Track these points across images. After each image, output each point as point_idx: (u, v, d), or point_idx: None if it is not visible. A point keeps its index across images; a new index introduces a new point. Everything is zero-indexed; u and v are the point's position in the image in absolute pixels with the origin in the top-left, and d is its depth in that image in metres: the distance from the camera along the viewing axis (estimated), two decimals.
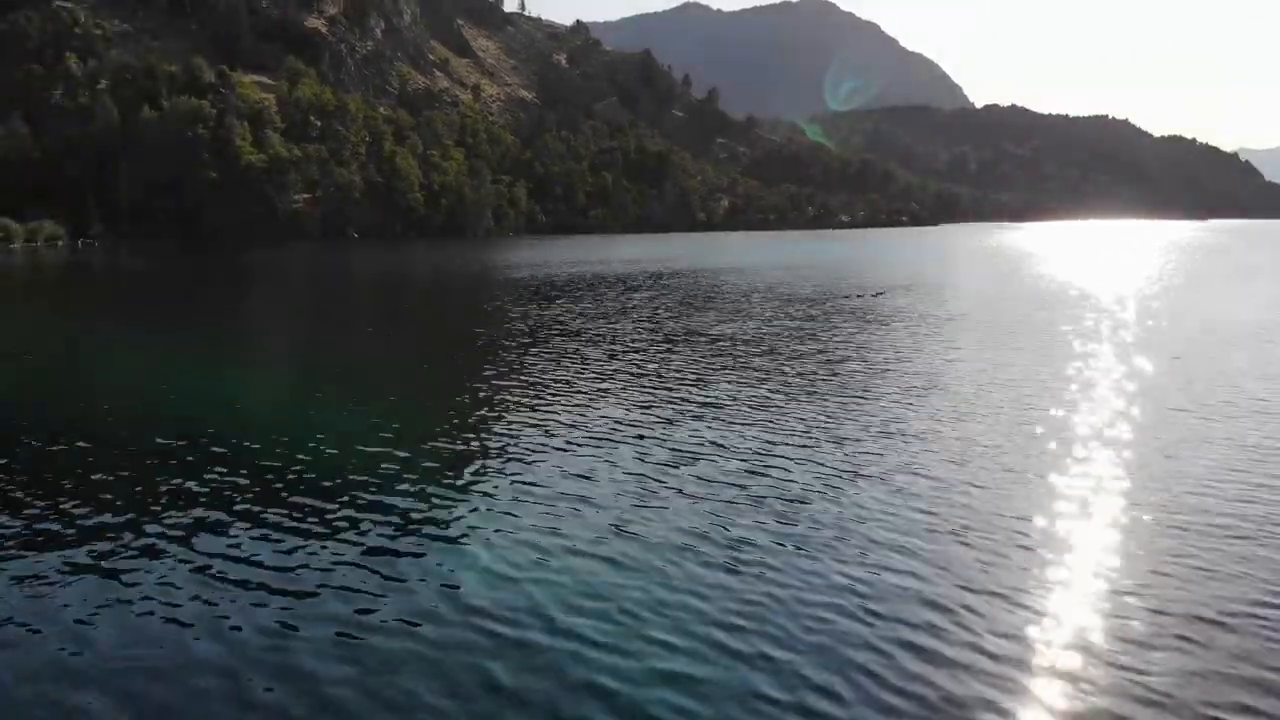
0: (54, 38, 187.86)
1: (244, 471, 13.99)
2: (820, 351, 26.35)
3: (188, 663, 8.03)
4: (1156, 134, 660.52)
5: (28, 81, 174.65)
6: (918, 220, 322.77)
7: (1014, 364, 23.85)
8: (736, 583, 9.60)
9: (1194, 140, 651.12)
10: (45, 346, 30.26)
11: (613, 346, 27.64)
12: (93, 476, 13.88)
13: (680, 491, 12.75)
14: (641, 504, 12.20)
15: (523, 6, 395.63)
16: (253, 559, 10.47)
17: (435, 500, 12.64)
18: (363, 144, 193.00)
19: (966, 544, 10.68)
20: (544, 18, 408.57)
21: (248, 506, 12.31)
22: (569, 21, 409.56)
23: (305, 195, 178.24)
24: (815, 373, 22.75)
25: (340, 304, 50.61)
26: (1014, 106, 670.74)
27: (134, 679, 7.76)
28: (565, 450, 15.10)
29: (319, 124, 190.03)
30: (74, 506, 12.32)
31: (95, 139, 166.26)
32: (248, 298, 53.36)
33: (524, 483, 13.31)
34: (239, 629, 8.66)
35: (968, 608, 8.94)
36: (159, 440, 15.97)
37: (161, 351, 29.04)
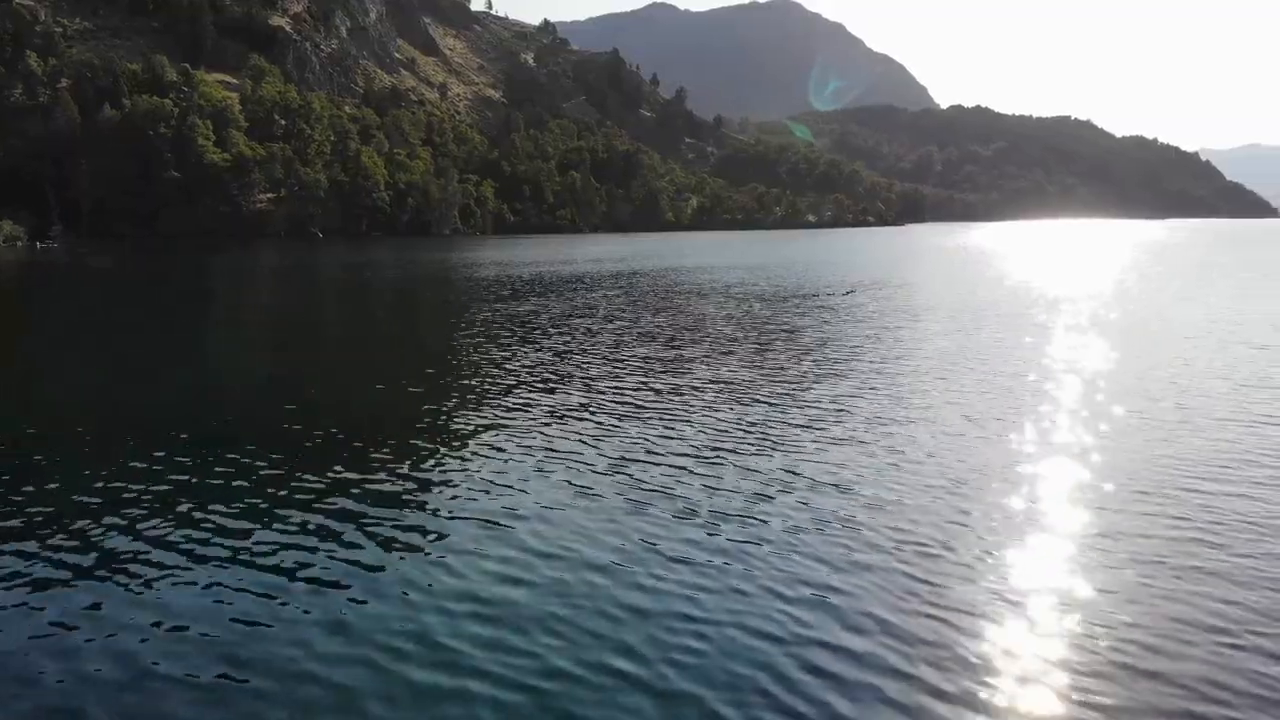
0: (13, 35, 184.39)
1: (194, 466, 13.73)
2: (790, 350, 26.34)
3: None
4: (1119, 134, 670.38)
5: None
6: (884, 220, 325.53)
7: (984, 359, 24.00)
8: (679, 586, 9.51)
9: (1156, 140, 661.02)
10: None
11: (575, 346, 27.43)
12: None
13: (631, 491, 12.64)
14: (582, 500, 12.10)
15: (489, 5, 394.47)
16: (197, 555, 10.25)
17: (371, 508, 12.46)
18: (328, 143, 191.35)
19: (930, 545, 10.66)
20: (511, 17, 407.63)
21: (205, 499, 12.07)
22: (536, 21, 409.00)
23: (269, 195, 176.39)
24: (784, 370, 22.71)
25: (304, 304, 49.99)
26: (978, 107, 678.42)
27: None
28: (517, 453, 14.83)
29: (283, 123, 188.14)
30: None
31: (55, 138, 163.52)
32: (205, 300, 52.64)
33: (468, 490, 13.14)
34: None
35: (936, 611, 8.90)
36: (120, 440, 15.66)
37: (116, 356, 28.53)
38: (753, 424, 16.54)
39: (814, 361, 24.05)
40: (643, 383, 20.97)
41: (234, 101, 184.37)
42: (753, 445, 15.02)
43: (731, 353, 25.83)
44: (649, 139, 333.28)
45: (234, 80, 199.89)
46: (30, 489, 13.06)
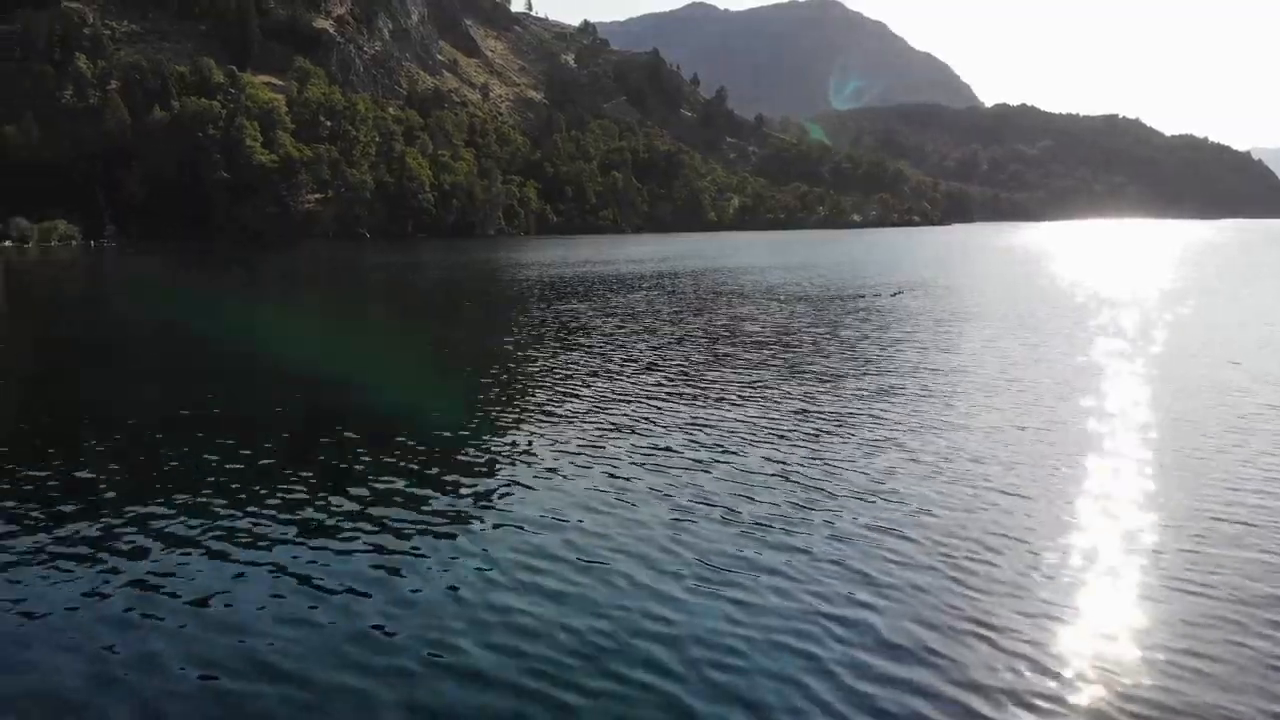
0: (62, 38, 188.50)
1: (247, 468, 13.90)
2: (835, 353, 26.11)
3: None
4: (1168, 133, 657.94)
5: (38, 82, 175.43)
6: (929, 220, 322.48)
7: (1035, 365, 23.63)
8: (736, 591, 9.45)
9: (1206, 139, 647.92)
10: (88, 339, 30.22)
11: (615, 348, 27.40)
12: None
13: (671, 496, 12.60)
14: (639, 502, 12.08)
15: (530, 6, 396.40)
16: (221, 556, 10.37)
17: (427, 504, 12.53)
18: (373, 144, 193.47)
19: (987, 550, 10.50)
20: (551, 18, 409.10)
21: (250, 489, 12.22)
22: (576, 22, 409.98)
23: (316, 196, 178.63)
24: (828, 374, 22.49)
25: (350, 304, 50.52)
26: (1024, 105, 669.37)
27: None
28: (557, 457, 14.85)
29: (329, 124, 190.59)
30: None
31: (106, 139, 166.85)
32: (255, 298, 53.33)
33: (521, 488, 13.19)
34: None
35: (989, 619, 8.76)
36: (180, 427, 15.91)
37: (164, 354, 28.95)
38: (796, 429, 16.39)
39: (859, 365, 23.77)
40: (683, 385, 20.90)
41: (280, 103, 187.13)
42: (796, 451, 14.87)
43: (774, 355, 25.64)
44: (690, 139, 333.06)
45: (280, 82, 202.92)
46: (93, 478, 13.32)
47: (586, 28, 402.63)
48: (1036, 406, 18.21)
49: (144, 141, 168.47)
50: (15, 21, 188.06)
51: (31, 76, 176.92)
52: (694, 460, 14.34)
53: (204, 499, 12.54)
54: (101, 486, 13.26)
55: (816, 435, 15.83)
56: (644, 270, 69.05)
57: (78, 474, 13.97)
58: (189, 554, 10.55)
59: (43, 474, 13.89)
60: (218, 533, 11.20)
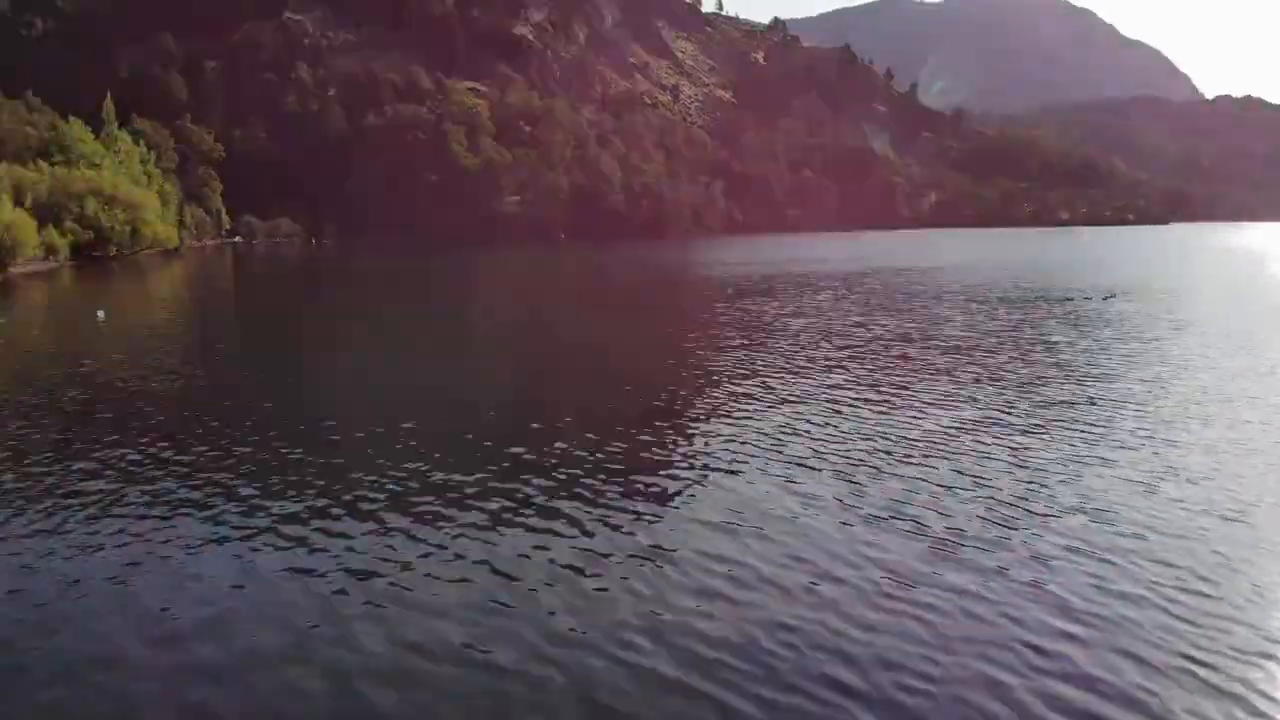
0: (286, 48, 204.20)
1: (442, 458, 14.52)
2: (1040, 361, 24.77)
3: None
4: None
5: (264, 90, 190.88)
6: (1145, 218, 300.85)
7: (1262, 379, 21.64)
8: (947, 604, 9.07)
9: None
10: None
11: (801, 350, 26.97)
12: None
13: (861, 505, 12.24)
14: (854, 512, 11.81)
15: (720, 6, 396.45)
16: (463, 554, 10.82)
17: (633, 505, 12.67)
18: (568, 147, 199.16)
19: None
20: (741, 16, 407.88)
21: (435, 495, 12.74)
22: (766, 20, 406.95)
23: (515, 198, 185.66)
24: (1031, 382, 21.32)
25: (544, 302, 52.03)
26: (1249, 98, 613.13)
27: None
28: (741, 459, 14.64)
29: (527, 129, 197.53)
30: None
31: (326, 144, 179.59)
32: (456, 295, 55.78)
33: (722, 492, 13.15)
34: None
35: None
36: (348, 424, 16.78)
37: (368, 348, 30.60)
38: (994, 440, 15.63)
39: (1065, 373, 22.42)
40: (871, 390, 20.36)
41: (483, 108, 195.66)
42: (992, 463, 14.18)
43: (972, 360, 24.58)
44: (883, 133, 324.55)
45: (483, 88, 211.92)
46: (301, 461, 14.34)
47: (776, 25, 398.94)
48: (1264, 425, 16.67)
49: (359, 146, 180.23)
50: (243, 33, 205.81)
51: (258, 84, 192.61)
52: (881, 468, 13.92)
53: (402, 480, 13.17)
54: (306, 459, 14.17)
55: (1015, 448, 15.05)
56: (832, 270, 67.90)
57: (287, 450, 15.00)
58: (392, 538, 11.11)
59: (258, 450, 15.09)
60: (414, 517, 11.74)
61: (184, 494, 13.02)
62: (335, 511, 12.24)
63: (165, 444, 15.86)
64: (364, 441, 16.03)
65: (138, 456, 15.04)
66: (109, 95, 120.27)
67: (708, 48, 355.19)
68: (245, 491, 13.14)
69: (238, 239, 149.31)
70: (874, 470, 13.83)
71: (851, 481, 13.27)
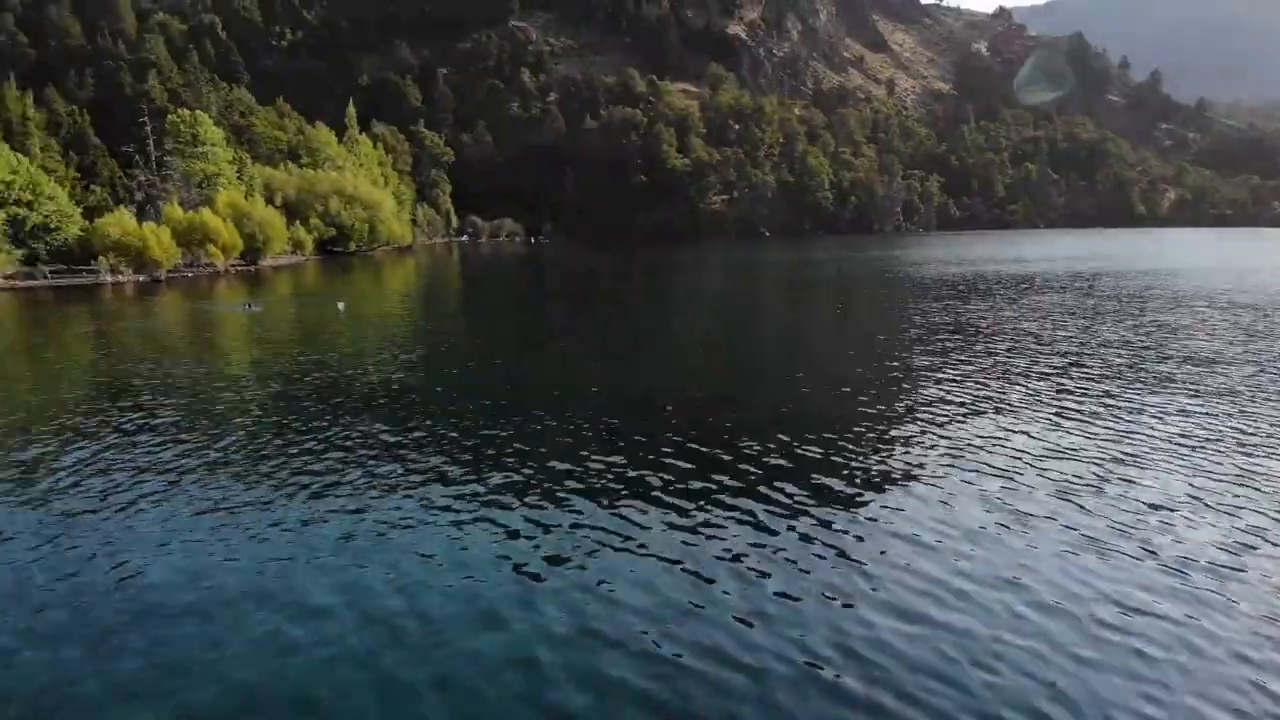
0: (510, 55, 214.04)
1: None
2: None
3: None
4: None
5: (490, 95, 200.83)
6: None
7: None
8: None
9: None
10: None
11: (1019, 357, 25.58)
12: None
13: (1079, 523, 11.62)
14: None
15: None
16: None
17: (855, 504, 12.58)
18: (776, 145, 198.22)
19: None
20: (963, 7, 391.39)
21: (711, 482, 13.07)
22: (991, 8, 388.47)
23: (722, 196, 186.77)
24: None
25: (746, 299, 51.84)
26: None
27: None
28: (949, 468, 14.29)
29: (736, 127, 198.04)
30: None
31: (545, 147, 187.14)
32: (663, 291, 56.49)
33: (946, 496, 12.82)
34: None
35: None
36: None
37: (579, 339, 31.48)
38: (1237, 460, 14.53)
39: None
40: (1098, 403, 19.23)
41: (694, 109, 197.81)
42: (1236, 485, 13.20)
43: (1211, 372, 22.74)
44: (1117, 126, 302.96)
45: (694, 89, 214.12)
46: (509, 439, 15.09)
47: (1001, 13, 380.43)
48: None
49: (577, 148, 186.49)
50: (471, 41, 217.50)
51: (484, 90, 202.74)
52: (1105, 486, 13.24)
53: (599, 471, 13.71)
54: (514, 446, 14.89)
55: (1261, 472, 13.91)
56: (1057, 270, 64.14)
57: (496, 436, 15.77)
58: (587, 528, 11.66)
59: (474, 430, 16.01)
60: (610, 509, 12.23)
61: (399, 474, 14.18)
62: (536, 498, 12.96)
63: (383, 427, 17.31)
64: (567, 431, 16.77)
65: (359, 437, 16.55)
66: (351, 102, 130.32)
67: (927, 40, 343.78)
68: (454, 473, 14.12)
69: (464, 237, 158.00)
70: (1095, 488, 13.16)
71: (1070, 499, 12.68)
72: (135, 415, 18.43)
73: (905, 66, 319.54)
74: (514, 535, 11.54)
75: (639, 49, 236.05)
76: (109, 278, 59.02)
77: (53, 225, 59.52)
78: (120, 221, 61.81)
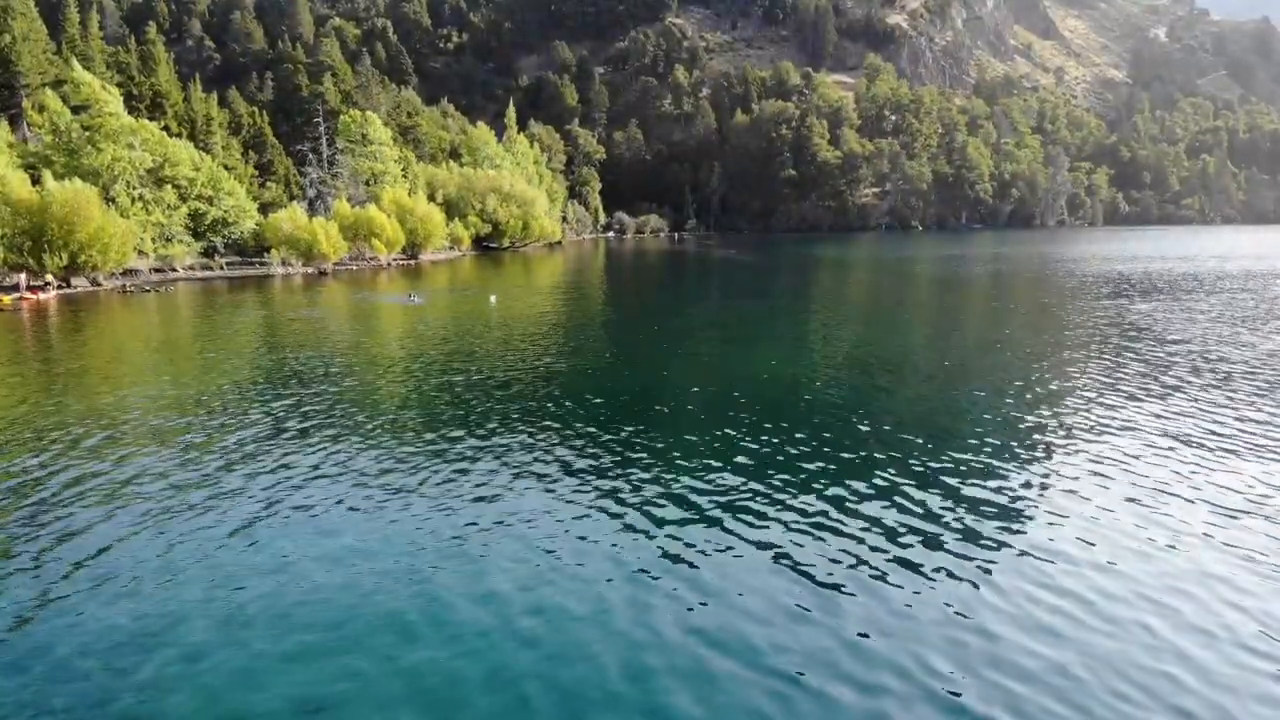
0: (665, 52, 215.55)
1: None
2: None
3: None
4: None
5: (643, 92, 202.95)
6: None
7: None
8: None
9: None
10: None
11: (1180, 364, 24.00)
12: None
13: (1226, 544, 10.97)
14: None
15: None
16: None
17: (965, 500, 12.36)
18: (934, 136, 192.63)
19: None
20: None
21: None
22: None
23: (874, 189, 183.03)
24: None
25: (892, 296, 50.74)
26: None
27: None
28: (1091, 479, 13.63)
29: (893, 119, 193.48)
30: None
31: (694, 142, 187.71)
32: (800, 287, 55.89)
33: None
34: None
35: None
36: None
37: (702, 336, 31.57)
38: None
39: None
40: (1261, 412, 18.01)
41: (848, 101, 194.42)
42: None
43: None
44: None
45: (849, 80, 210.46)
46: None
47: None
48: None
49: (726, 143, 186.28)
50: (626, 39, 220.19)
51: (638, 88, 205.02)
52: (1267, 505, 12.45)
53: (718, 469, 13.65)
54: (640, 441, 15.01)
55: None
56: (1232, 269, 60.07)
57: (623, 431, 15.94)
58: (703, 526, 11.69)
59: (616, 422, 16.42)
60: (728, 509, 12.20)
61: (526, 464, 14.68)
62: (654, 494, 13.13)
63: (518, 418, 17.90)
64: (692, 429, 16.84)
65: (494, 425, 17.24)
66: (511, 102, 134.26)
67: (1100, 25, 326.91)
68: (580, 466, 14.52)
69: (610, 234, 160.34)
70: (1258, 504, 12.46)
71: (1228, 516, 12.04)
72: (287, 401, 19.72)
73: (1076, 54, 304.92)
74: (629, 530, 11.76)
75: (795, 42, 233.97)
76: (279, 269, 62.98)
77: (230, 220, 63.78)
78: (292, 217, 65.79)
